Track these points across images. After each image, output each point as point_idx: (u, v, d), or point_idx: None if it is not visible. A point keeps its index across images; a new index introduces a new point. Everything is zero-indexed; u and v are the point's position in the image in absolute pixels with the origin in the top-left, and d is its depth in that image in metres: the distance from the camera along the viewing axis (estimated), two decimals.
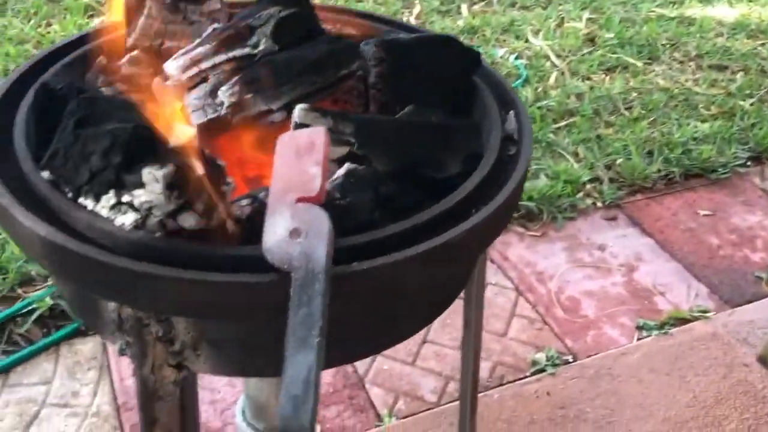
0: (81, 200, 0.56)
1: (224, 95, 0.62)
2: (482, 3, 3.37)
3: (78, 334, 1.68)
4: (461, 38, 3.05)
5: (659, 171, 2.31)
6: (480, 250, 0.59)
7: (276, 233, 0.50)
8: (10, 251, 1.79)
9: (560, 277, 1.96)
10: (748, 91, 2.78)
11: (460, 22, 3.15)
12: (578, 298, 1.90)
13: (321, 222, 0.49)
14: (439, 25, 3.09)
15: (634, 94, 2.71)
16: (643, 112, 2.60)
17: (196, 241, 0.54)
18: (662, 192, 2.27)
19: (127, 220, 0.54)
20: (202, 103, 0.62)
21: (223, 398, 1.57)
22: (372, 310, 0.55)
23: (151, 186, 0.52)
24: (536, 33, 3.09)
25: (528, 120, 0.63)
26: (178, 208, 0.53)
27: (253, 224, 0.54)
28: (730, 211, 2.22)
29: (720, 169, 2.35)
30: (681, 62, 2.99)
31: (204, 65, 0.64)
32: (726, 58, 3.02)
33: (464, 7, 3.28)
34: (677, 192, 2.28)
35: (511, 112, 0.64)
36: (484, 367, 1.70)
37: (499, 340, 1.77)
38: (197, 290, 0.52)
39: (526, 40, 3.03)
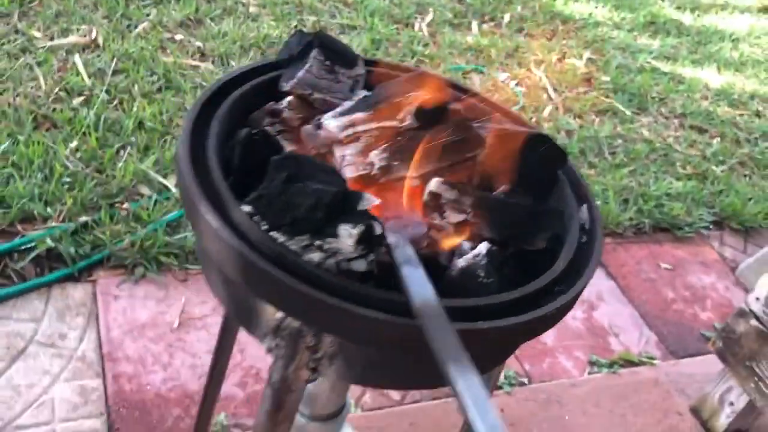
0: (273, 234, 0.66)
1: (376, 157, 0.72)
2: (492, 23, 3.48)
3: (70, 279, 1.74)
4: (468, 55, 3.17)
5: (631, 219, 2.46)
6: (556, 322, 0.70)
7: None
8: (14, 186, 1.83)
9: None
10: (721, 158, 2.96)
11: (469, 38, 3.25)
12: None
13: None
14: (449, 38, 3.19)
15: (620, 141, 2.86)
16: (625, 159, 2.76)
17: (357, 281, 0.65)
18: (630, 240, 2.43)
19: (314, 257, 0.64)
20: (354, 159, 0.72)
21: (203, 364, 1.66)
22: (477, 355, 0.66)
23: (345, 239, 0.63)
24: (538, 64, 3.22)
25: (599, 214, 0.75)
26: (358, 256, 0.64)
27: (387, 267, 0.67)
28: (689, 268, 2.39)
29: (686, 228, 2.52)
30: (666, 117, 3.16)
31: (359, 128, 0.73)
32: (707, 122, 3.20)
33: (474, 24, 3.39)
34: (644, 242, 2.44)
35: (584, 206, 0.76)
36: None
37: None
38: (353, 319, 0.63)
39: (528, 69, 3.16)
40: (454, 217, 0.69)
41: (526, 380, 1.86)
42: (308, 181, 0.66)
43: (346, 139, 0.73)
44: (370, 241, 0.66)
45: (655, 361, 2.02)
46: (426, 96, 0.73)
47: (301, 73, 0.79)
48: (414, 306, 0.62)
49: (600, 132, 2.86)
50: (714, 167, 2.88)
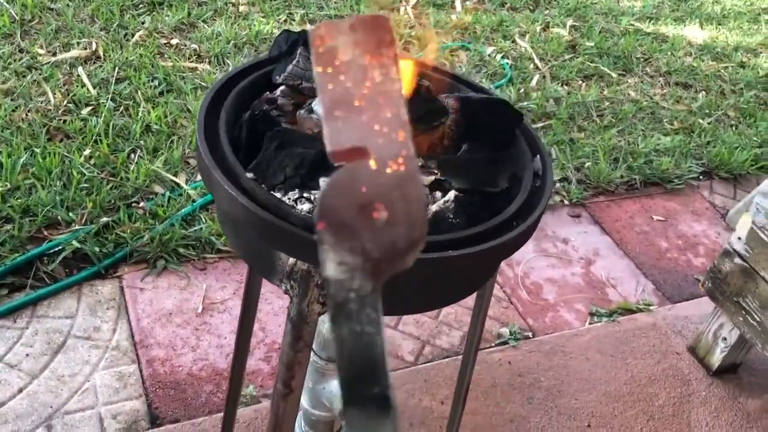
0: (273, 193, 0.78)
1: None
2: (475, 0, 3.58)
3: (98, 276, 1.87)
4: (453, 33, 3.27)
5: (622, 177, 2.57)
6: (515, 250, 0.82)
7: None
8: (37, 195, 1.95)
9: (526, 263, 2.21)
10: (707, 111, 3.06)
11: (453, 17, 3.35)
12: (541, 284, 2.15)
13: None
14: (433, 18, 3.29)
15: (607, 103, 2.97)
16: (613, 120, 2.86)
17: None
18: (623, 196, 2.54)
19: (304, 207, 0.76)
20: None
21: (228, 344, 1.78)
22: (450, 280, 0.78)
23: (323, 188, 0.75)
24: (523, 35, 3.32)
25: (550, 163, 0.87)
26: None
27: None
28: (680, 218, 2.50)
29: (675, 180, 2.63)
30: (651, 77, 3.26)
31: None
32: (692, 77, 3.30)
33: (458, 3, 3.49)
34: (636, 197, 2.55)
35: (538, 156, 0.89)
36: (456, 336, 1.95)
37: (471, 313, 2.01)
38: None
39: (513, 41, 3.26)
40: (425, 179, 0.82)
41: (530, 334, 1.98)
42: (294, 146, 0.79)
43: None
44: None
45: (652, 308, 2.13)
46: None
47: (290, 67, 0.92)
48: None
49: (587, 96, 2.97)
50: (700, 120, 2.98)
